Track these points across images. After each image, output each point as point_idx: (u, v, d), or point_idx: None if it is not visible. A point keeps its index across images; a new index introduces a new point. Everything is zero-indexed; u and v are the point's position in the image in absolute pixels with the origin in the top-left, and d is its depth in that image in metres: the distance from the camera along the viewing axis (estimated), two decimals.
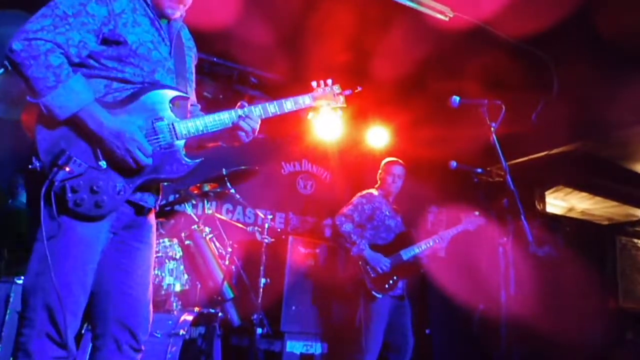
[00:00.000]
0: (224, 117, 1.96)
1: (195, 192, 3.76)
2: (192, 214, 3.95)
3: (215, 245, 3.82)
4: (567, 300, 6.13)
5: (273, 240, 4.44)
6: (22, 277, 3.05)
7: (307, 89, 2.22)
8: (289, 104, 2.12)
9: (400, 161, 4.44)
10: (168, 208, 3.98)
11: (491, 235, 3.98)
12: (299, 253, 5.06)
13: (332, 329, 5.00)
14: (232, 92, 5.27)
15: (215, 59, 5.00)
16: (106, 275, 1.86)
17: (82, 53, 1.77)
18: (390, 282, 4.07)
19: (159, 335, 3.12)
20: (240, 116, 1.96)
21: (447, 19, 4.19)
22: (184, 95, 1.94)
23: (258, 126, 2.00)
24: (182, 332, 3.21)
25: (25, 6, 3.34)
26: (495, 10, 3.97)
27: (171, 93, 1.88)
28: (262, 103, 2.06)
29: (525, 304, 3.72)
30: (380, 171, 4.46)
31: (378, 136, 5.88)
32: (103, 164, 1.74)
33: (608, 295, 7.05)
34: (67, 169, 1.66)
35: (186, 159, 1.88)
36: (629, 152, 6.00)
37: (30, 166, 1.68)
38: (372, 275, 4.04)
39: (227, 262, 3.85)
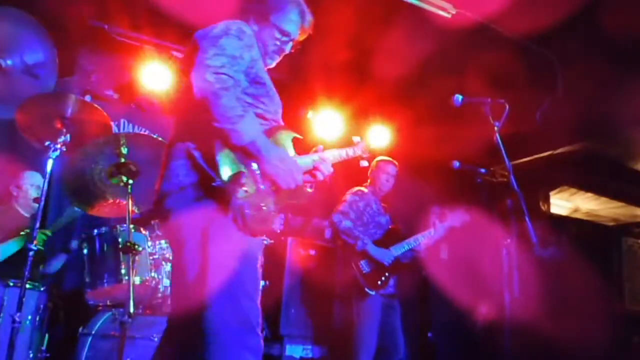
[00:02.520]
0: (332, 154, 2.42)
1: None
2: None
3: None
4: (572, 303, 6.14)
5: (272, 241, 4.44)
6: (16, 280, 3.06)
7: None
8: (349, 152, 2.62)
9: (392, 160, 4.47)
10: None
11: (494, 236, 4.00)
12: (299, 255, 5.07)
13: (331, 332, 5.00)
14: None
15: None
16: None
17: (239, 90, 2.03)
18: (383, 278, 4.09)
19: (155, 339, 3.12)
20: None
21: (449, 15, 4.19)
22: (299, 137, 2.27)
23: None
24: None
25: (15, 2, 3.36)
26: (498, 7, 3.98)
27: (291, 134, 2.24)
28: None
29: (529, 306, 3.72)
30: (372, 169, 4.47)
31: (379, 135, 5.88)
32: (263, 187, 1.99)
33: (614, 298, 7.05)
34: (245, 188, 1.90)
35: (305, 189, 2.22)
36: (635, 151, 6.01)
37: (213, 183, 1.87)
38: (364, 271, 4.06)
39: None
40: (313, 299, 5.00)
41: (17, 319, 2.74)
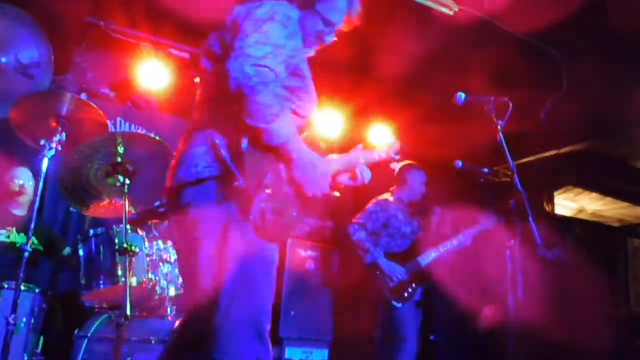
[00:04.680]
0: (348, 158, 2.28)
1: None
2: None
3: None
4: (577, 305, 6.14)
5: None
6: (12, 282, 3.06)
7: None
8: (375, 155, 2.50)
9: (419, 165, 4.43)
10: (162, 209, 3.98)
11: (498, 237, 4.00)
12: (298, 256, 5.07)
13: (332, 334, 5.00)
14: None
15: None
16: None
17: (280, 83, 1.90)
18: (410, 290, 4.06)
19: (153, 342, 3.12)
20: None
21: (452, 13, 4.19)
22: (326, 138, 2.17)
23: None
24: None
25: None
26: (502, 4, 3.98)
27: (320, 133, 2.12)
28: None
29: (533, 309, 3.72)
30: (398, 174, 4.41)
31: (380, 134, 5.88)
32: (287, 191, 1.93)
33: (619, 300, 7.05)
34: (269, 191, 1.83)
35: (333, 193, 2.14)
36: None
37: (236, 182, 1.78)
38: (390, 284, 4.03)
39: None
40: (313, 301, 5.00)
41: (11, 321, 2.74)
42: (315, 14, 2.07)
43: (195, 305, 1.90)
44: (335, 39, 2.21)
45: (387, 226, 4.24)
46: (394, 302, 4.00)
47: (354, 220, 4.25)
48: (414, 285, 4.08)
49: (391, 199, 4.37)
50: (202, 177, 1.83)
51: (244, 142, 1.81)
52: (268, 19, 1.83)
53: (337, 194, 2.16)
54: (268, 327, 1.92)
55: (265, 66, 1.76)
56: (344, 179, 2.22)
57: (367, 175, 2.22)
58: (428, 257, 4.15)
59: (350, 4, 2.14)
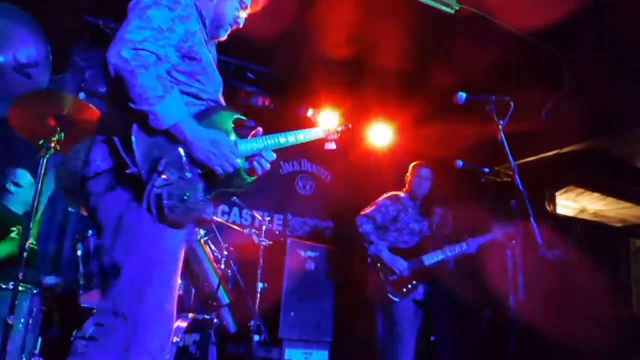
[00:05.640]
0: (278, 140, 2.23)
1: None
2: None
3: (211, 249, 3.82)
4: (578, 306, 6.14)
5: (271, 243, 4.45)
6: (10, 283, 3.06)
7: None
8: (313, 134, 2.53)
9: (426, 164, 4.50)
10: None
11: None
12: (298, 256, 5.07)
13: (332, 335, 5.00)
14: (228, 88, 5.26)
15: None
16: None
17: (165, 67, 1.90)
18: (409, 286, 4.10)
19: None
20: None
21: (452, 11, 4.20)
22: (243, 118, 2.14)
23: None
24: (175, 339, 3.22)
25: None
26: (503, 2, 3.98)
27: (233, 114, 2.11)
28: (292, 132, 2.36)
29: (534, 309, 3.72)
30: (407, 174, 4.51)
31: (381, 134, 5.88)
32: (189, 174, 1.88)
33: (621, 301, 7.05)
34: (164, 176, 1.79)
35: (245, 175, 2.09)
36: None
37: (128, 171, 1.77)
38: (391, 278, 4.08)
39: (222, 266, 3.86)
40: (313, 302, 5.00)
41: (9, 321, 2.75)
42: None
43: (101, 293, 1.90)
44: (244, 16, 2.22)
45: (396, 221, 4.29)
46: (391, 296, 4.03)
47: (362, 212, 4.30)
48: (414, 282, 4.11)
49: (403, 195, 4.44)
50: (99, 171, 1.85)
51: (133, 129, 1.79)
52: (153, 4, 1.85)
53: (252, 179, 2.11)
54: (163, 319, 1.83)
55: (144, 49, 1.77)
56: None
57: (265, 166, 2.14)
58: (433, 257, 4.19)
59: None
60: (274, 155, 2.19)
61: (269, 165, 2.17)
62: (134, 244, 1.80)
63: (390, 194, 4.44)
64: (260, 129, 2.19)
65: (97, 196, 1.85)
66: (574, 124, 4.97)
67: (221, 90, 2.15)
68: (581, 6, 3.76)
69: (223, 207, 5.66)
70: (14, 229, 3.77)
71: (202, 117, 1.98)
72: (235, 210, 5.73)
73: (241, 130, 2.14)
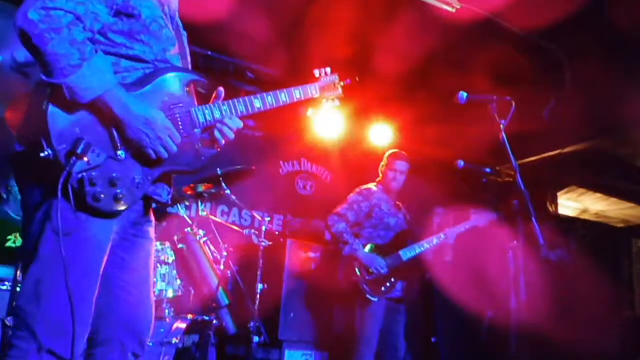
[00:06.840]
0: (251, 104, 1.97)
1: (189, 192, 3.76)
2: (185, 216, 3.94)
3: (210, 249, 3.82)
4: (580, 307, 6.14)
5: (270, 243, 4.44)
6: (5, 283, 3.06)
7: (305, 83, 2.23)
8: (297, 93, 2.22)
9: (404, 154, 4.34)
10: (160, 210, 3.99)
11: (500, 238, 4.00)
12: (298, 257, 5.07)
13: (332, 337, 5.00)
14: (228, 87, 5.26)
15: (209, 53, 5.00)
16: (109, 275, 1.75)
17: (94, 26, 1.65)
18: (387, 284, 4.01)
19: (150, 344, 3.12)
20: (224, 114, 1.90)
21: (454, 10, 4.19)
22: (200, 79, 1.87)
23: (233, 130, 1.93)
24: (174, 340, 3.21)
25: None
26: (504, 2, 3.98)
27: (186, 76, 1.83)
28: (271, 92, 2.09)
29: (535, 310, 3.73)
30: (382, 163, 4.37)
31: (381, 134, 5.88)
32: (122, 153, 1.65)
33: (623, 302, 7.05)
34: (85, 158, 1.56)
35: (202, 150, 1.84)
36: None
37: (42, 154, 1.53)
38: (367, 277, 3.97)
39: (222, 267, 3.85)
40: (313, 303, 5.00)
41: (7, 322, 2.75)
42: None
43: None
44: None
45: (370, 216, 4.18)
46: (369, 296, 3.93)
47: (334, 211, 4.18)
48: (392, 279, 4.02)
49: (375, 188, 4.31)
50: (19, 151, 1.63)
51: (46, 105, 1.54)
52: None
53: (209, 151, 1.87)
54: (84, 314, 1.62)
55: (57, 8, 1.52)
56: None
57: (228, 134, 1.88)
58: (411, 251, 4.09)
59: None
60: (240, 122, 1.92)
61: (232, 135, 1.90)
62: (50, 235, 1.57)
63: (361, 188, 4.30)
64: (221, 89, 1.93)
65: (20, 184, 1.69)
66: (575, 123, 4.97)
67: (173, 48, 1.85)
68: (583, 6, 3.76)
69: (222, 208, 5.65)
70: (10, 237, 3.75)
71: (142, 83, 1.71)
72: (235, 210, 5.72)
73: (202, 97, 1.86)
